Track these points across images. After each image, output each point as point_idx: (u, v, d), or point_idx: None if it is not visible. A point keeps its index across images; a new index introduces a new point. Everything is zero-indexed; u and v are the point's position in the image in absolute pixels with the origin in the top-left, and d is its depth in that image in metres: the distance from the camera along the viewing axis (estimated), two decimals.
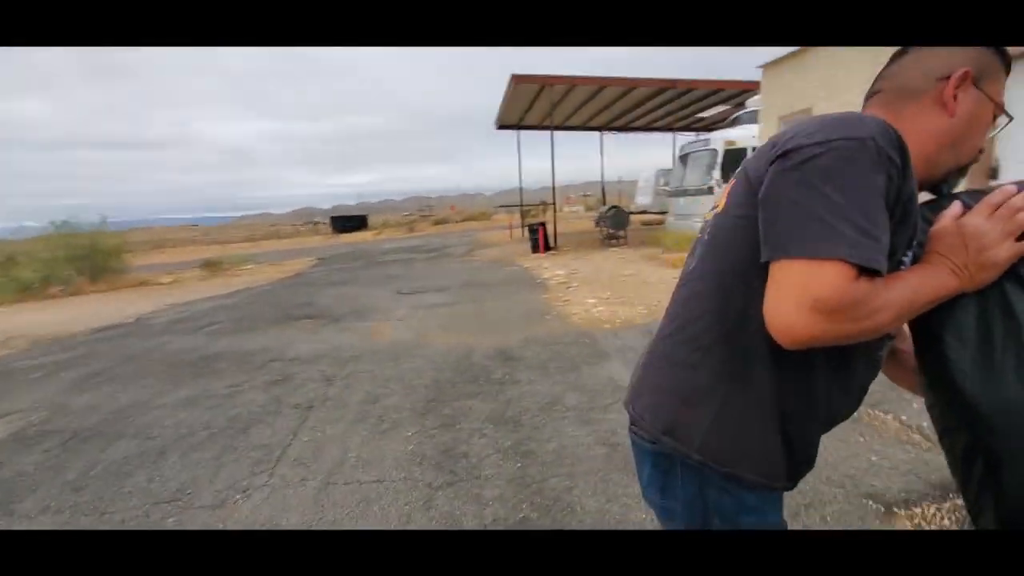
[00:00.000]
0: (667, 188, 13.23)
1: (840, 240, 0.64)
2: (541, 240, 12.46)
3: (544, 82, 11.63)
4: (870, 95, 0.89)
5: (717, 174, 10.22)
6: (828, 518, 2.02)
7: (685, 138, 15.28)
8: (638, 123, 16.90)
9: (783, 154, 0.71)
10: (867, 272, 0.65)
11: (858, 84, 5.84)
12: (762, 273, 0.72)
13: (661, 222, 15.63)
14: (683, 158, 11.69)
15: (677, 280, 0.95)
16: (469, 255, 13.97)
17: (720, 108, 13.74)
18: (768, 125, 8.55)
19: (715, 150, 10.32)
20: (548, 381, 3.76)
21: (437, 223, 35.84)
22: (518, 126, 16.91)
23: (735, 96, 12.59)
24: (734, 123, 11.53)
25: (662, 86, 12.21)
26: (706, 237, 0.87)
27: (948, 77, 0.76)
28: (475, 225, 31.95)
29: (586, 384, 3.64)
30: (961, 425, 0.79)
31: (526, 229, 13.91)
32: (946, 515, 1.97)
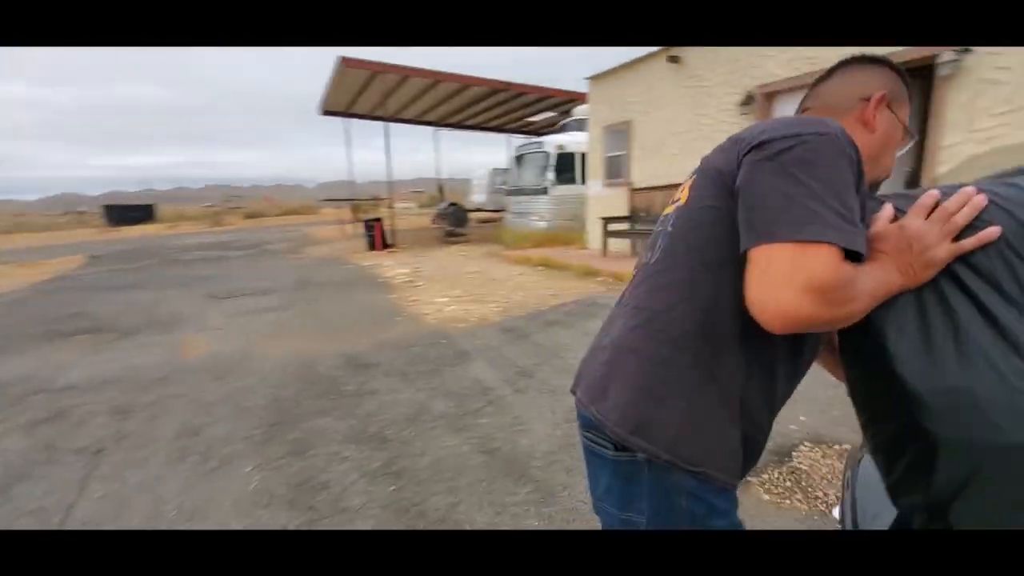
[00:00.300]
0: (504, 187, 13.67)
1: (825, 224, 0.66)
2: (378, 237, 11.86)
3: (376, 69, 11.03)
4: (801, 112, 0.94)
5: (551, 175, 10.84)
6: None
7: (519, 140, 15.98)
8: (471, 121, 17.13)
9: (758, 145, 0.73)
10: (849, 257, 0.68)
11: (671, 102, 6.72)
12: (735, 262, 0.73)
13: (497, 220, 16.12)
14: (518, 159, 12.17)
15: (635, 272, 0.93)
16: (296, 252, 12.67)
17: (548, 114, 14.63)
18: (595, 133, 9.32)
19: (548, 153, 10.94)
20: (410, 388, 3.50)
21: (249, 216, 31.95)
22: (346, 114, 15.83)
23: (562, 104, 13.50)
24: (563, 129, 12.36)
25: (495, 87, 12.51)
26: (669, 229, 0.86)
27: (868, 99, 0.84)
28: (298, 219, 29.30)
29: (452, 388, 3.46)
30: (896, 413, 0.81)
31: (361, 225, 13.12)
32: (786, 476, 2.26)
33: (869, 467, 1.36)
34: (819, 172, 0.68)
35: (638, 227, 7.94)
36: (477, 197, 19.06)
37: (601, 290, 6.10)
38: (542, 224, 10.99)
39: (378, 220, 12.17)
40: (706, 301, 0.78)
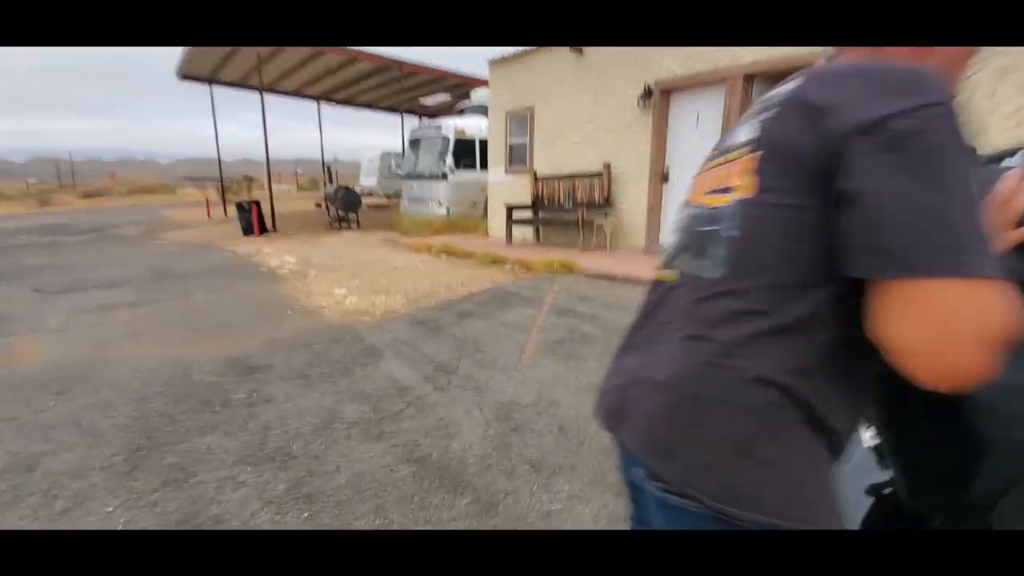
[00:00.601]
0: (399, 171, 13.05)
1: (983, 252, 0.51)
2: (255, 221, 10.69)
3: None
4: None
5: (450, 160, 10.50)
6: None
7: (414, 122, 15.34)
8: (360, 99, 16.07)
9: (869, 127, 0.54)
10: None
11: (573, 91, 6.72)
12: (834, 281, 0.58)
13: (391, 205, 15.40)
14: (414, 142, 11.64)
15: (667, 287, 0.75)
16: (154, 237, 11.00)
17: (443, 97, 14.17)
18: (496, 118, 9.15)
19: (447, 137, 10.57)
20: (315, 393, 3.08)
21: (89, 195, 27.32)
22: (212, 80, 14.00)
23: (458, 87, 13.13)
24: (461, 113, 12.04)
25: (385, 64, 11.80)
26: (734, 233, 0.66)
27: None
28: (152, 200, 25.62)
29: (365, 390, 3.11)
30: (935, 413, 0.77)
31: (233, 207, 11.73)
32: None
33: None
34: (951, 167, 0.52)
35: (542, 215, 7.95)
36: (367, 181, 18.08)
37: (510, 279, 5.99)
38: (441, 211, 10.65)
39: (255, 202, 10.96)
40: (799, 333, 0.62)
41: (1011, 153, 1.82)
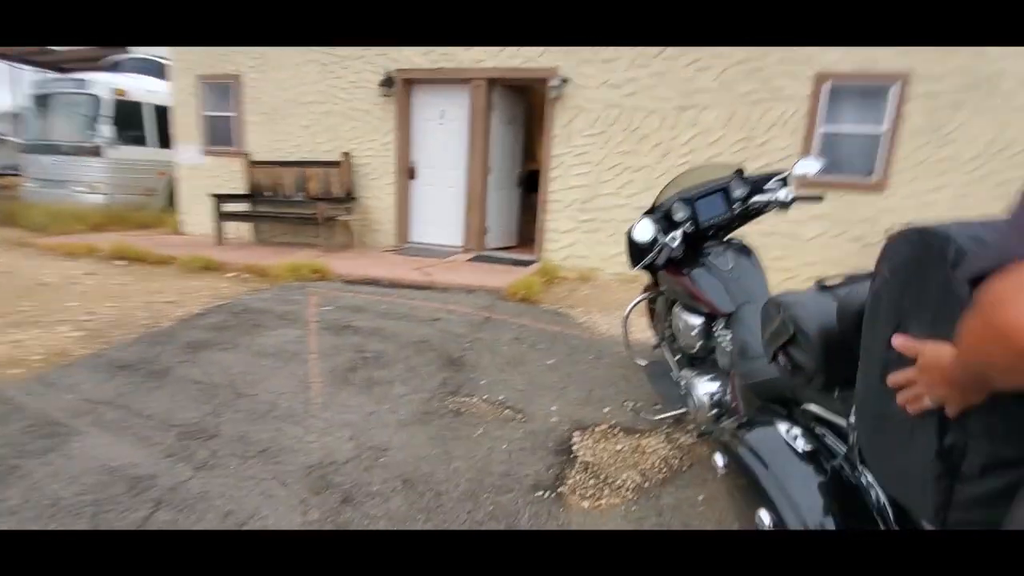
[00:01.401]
0: (10, 140, 8.97)
1: None
2: None
3: None
4: None
5: (107, 130, 7.72)
6: (531, 525, 1.89)
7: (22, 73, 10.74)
8: None
9: None
10: None
11: (296, 64, 5.88)
12: None
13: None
14: (41, 100, 8.13)
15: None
16: None
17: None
18: (183, 83, 7.11)
19: (98, 98, 7.71)
20: None
21: None
22: None
23: None
24: (116, 68, 8.98)
25: None
26: None
27: None
28: None
29: (62, 497, 1.90)
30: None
31: None
32: (584, 475, 2.22)
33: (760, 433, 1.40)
34: None
35: (263, 209, 6.62)
36: None
37: (242, 290, 4.73)
38: (96, 198, 7.79)
39: None
40: None
41: (769, 178, 2.17)
